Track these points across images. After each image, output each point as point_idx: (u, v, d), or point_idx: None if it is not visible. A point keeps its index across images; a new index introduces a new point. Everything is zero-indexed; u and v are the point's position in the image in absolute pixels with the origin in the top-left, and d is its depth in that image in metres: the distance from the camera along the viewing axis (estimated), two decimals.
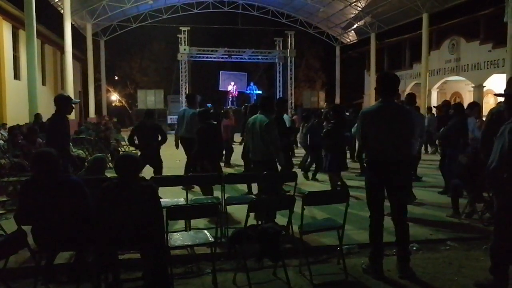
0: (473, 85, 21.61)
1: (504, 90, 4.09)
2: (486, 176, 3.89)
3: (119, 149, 13.30)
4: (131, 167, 3.79)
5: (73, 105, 6.20)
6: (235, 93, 30.79)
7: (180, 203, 5.17)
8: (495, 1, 17.86)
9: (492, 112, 5.62)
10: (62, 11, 19.21)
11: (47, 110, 19.60)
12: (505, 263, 3.86)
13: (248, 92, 31.14)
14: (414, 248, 5.02)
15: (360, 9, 24.82)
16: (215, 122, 8.05)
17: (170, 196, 5.85)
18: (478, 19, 21.63)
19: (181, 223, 5.42)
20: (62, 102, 5.95)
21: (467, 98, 23.27)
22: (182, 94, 26.90)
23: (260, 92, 31.57)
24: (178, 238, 4.10)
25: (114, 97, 37.48)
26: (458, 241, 5.35)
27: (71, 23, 19.25)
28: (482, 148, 5.52)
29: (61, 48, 21.70)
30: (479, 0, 19.53)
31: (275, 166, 5.94)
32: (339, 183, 7.85)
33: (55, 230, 3.69)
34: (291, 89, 31.08)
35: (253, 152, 6.00)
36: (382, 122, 4.31)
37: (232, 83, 31.16)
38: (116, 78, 38.12)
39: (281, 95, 28.33)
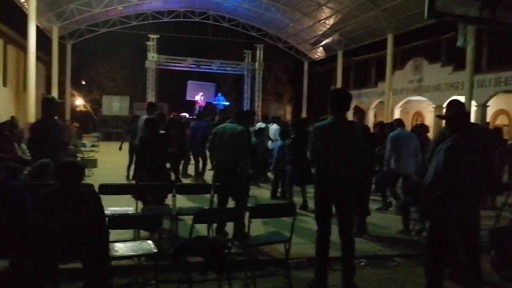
0: (434, 106, 22.29)
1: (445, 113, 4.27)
2: (422, 192, 4.01)
3: (78, 155, 12.95)
4: (74, 174, 3.70)
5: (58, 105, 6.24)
6: (203, 103, 30.75)
7: (129, 212, 5.08)
8: (456, 26, 18.52)
9: (440, 132, 5.80)
10: (27, 12, 18.72)
11: (7, 112, 19.07)
12: (437, 278, 3.95)
13: (215, 102, 31.14)
14: (362, 263, 5.09)
15: (329, 26, 25.27)
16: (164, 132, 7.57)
17: (125, 205, 5.73)
18: (440, 42, 22.41)
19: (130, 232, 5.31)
20: (45, 105, 6.00)
21: (428, 118, 23.98)
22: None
23: (227, 103, 31.63)
24: (120, 248, 4.01)
25: (79, 101, 36.65)
26: (406, 257, 5.46)
27: (36, 25, 18.77)
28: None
29: (25, 49, 21.09)
30: (441, 24, 20.19)
31: (240, 175, 5.95)
32: (287, 195, 8.13)
33: None
34: (258, 102, 31.26)
35: (220, 160, 5.93)
36: (332, 138, 4.38)
37: (201, 93, 31.14)
38: (83, 82, 37.33)
39: (249, 107, 28.42)
